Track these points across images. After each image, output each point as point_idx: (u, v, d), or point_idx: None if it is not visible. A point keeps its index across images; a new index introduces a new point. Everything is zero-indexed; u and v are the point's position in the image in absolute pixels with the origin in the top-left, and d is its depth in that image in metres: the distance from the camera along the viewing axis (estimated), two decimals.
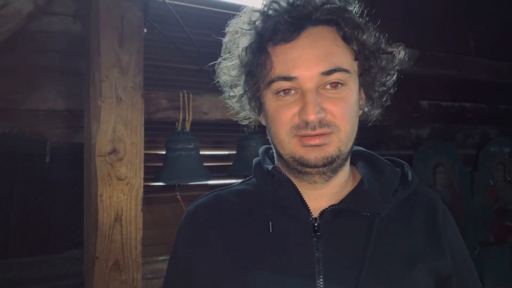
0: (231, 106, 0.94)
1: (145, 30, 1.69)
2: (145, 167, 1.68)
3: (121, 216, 1.62)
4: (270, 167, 0.86)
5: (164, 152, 1.85)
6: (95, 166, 1.58)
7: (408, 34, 2.99)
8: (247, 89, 0.85)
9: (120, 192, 1.62)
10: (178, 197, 1.82)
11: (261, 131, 2.03)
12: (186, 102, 1.79)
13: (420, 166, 3.04)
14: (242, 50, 0.83)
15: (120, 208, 1.62)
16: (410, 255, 0.81)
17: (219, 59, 0.90)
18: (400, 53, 0.87)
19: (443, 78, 3.18)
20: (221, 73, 0.90)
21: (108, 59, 1.59)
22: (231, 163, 2.07)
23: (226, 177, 2.14)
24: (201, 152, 1.87)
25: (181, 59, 2.04)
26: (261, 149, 0.95)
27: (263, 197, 0.86)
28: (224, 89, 0.92)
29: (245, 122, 0.95)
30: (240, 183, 0.95)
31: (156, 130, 1.95)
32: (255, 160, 0.93)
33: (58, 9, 1.83)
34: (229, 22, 0.88)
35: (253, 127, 2.01)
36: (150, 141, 1.90)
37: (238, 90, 0.88)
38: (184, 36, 1.92)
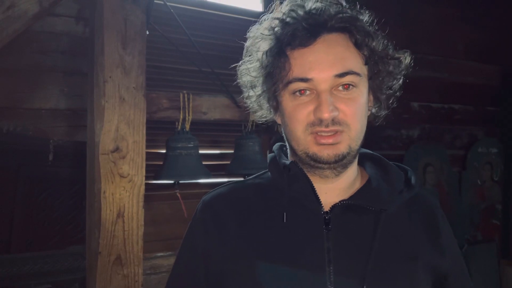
0: (249, 106, 1.00)
1: (147, 32, 1.74)
2: (146, 165, 1.72)
3: (124, 212, 1.66)
4: (287, 162, 0.93)
5: (164, 151, 1.90)
6: (98, 164, 1.62)
7: (399, 38, 3.06)
8: (265, 89, 0.91)
9: (122, 189, 1.67)
10: (178, 194, 1.87)
11: (257, 131, 2.09)
12: (186, 102, 1.84)
13: (410, 166, 3.07)
14: (263, 53, 0.89)
15: (122, 204, 1.66)
16: (412, 250, 0.89)
17: (240, 62, 0.97)
18: (406, 59, 0.94)
19: (433, 80, 3.26)
20: (242, 74, 0.96)
21: (111, 60, 1.64)
22: (229, 162, 2.13)
23: (224, 175, 2.19)
24: (200, 151, 1.92)
25: (182, 60, 2.09)
26: (275, 146, 1.01)
27: (277, 190, 0.92)
28: (243, 89, 0.98)
29: (262, 121, 1.01)
30: (254, 177, 1.01)
31: (157, 129, 2.00)
32: (270, 155, 0.99)
33: (61, 11, 1.88)
34: (250, 27, 0.95)
35: (250, 127, 2.08)
36: (151, 140, 1.95)
37: (257, 91, 0.94)
38: (184, 38, 1.97)
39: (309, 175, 0.90)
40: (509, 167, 3.57)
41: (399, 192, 0.92)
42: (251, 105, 0.98)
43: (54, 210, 1.84)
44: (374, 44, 0.87)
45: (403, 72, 0.94)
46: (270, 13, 0.92)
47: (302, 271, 0.84)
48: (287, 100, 0.87)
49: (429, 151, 3.22)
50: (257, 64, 0.91)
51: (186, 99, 1.83)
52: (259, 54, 0.90)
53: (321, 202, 0.89)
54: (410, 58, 0.95)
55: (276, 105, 0.92)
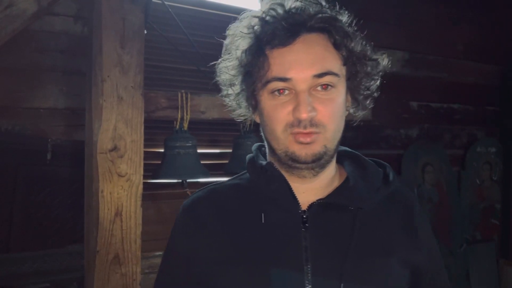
0: (228, 104, 1.00)
1: (146, 32, 1.74)
2: (144, 164, 1.73)
3: (121, 211, 1.67)
4: (264, 162, 0.94)
5: (162, 150, 1.90)
6: (96, 163, 1.62)
7: (399, 38, 3.07)
8: (244, 88, 0.91)
9: (120, 188, 1.67)
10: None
11: (256, 130, 2.09)
12: (184, 102, 1.84)
13: (409, 165, 3.12)
14: (242, 52, 0.89)
15: (120, 203, 1.66)
16: (389, 246, 0.90)
17: (219, 59, 0.97)
18: (384, 60, 0.95)
19: (432, 80, 3.26)
20: (221, 72, 0.96)
21: (110, 59, 1.64)
22: (227, 161, 2.13)
23: (223, 174, 2.20)
24: (199, 150, 1.93)
25: (180, 60, 2.09)
26: (254, 146, 1.02)
27: (256, 190, 0.93)
28: (222, 87, 0.98)
29: (240, 119, 1.02)
30: (234, 178, 1.02)
31: (155, 128, 2.00)
32: (248, 156, 1.00)
33: (60, 10, 1.88)
34: (229, 25, 0.95)
35: (248, 126, 2.08)
36: (149, 139, 1.95)
37: (236, 89, 0.94)
38: (182, 37, 1.97)
39: (287, 175, 0.91)
40: (508, 167, 3.57)
41: (377, 190, 0.93)
42: (230, 103, 0.99)
43: (53, 209, 1.84)
44: (352, 44, 0.88)
45: (380, 73, 0.95)
46: (249, 11, 0.92)
47: (280, 270, 0.85)
48: (266, 100, 0.87)
49: (428, 151, 3.22)
50: (236, 62, 0.91)
51: (184, 98, 1.84)
52: (238, 53, 0.90)
53: (298, 201, 0.90)
54: (387, 59, 0.95)
55: (255, 104, 0.92)
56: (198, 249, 0.91)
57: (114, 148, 1.66)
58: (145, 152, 1.73)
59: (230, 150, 2.13)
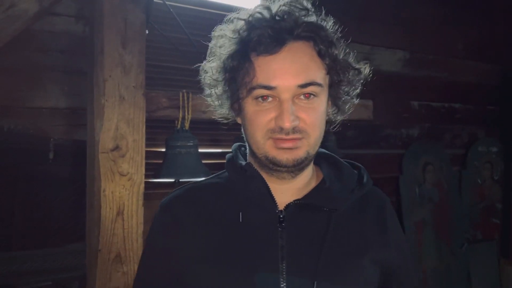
0: (211, 104, 1.02)
1: (147, 32, 1.75)
2: (146, 164, 1.73)
3: (123, 210, 1.67)
4: (243, 162, 0.95)
5: (164, 150, 1.91)
6: (98, 162, 1.63)
7: (399, 37, 3.08)
8: (227, 90, 0.93)
9: (122, 188, 1.68)
10: None
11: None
12: (186, 101, 1.85)
13: (410, 165, 3.12)
14: (227, 56, 0.90)
15: (122, 202, 1.67)
16: (361, 246, 0.93)
17: (204, 61, 0.98)
18: (366, 69, 0.97)
19: (433, 79, 3.27)
20: (205, 73, 0.97)
21: (111, 59, 1.65)
22: None
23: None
24: (200, 150, 1.93)
25: (181, 60, 2.10)
26: (233, 146, 1.03)
27: (234, 190, 0.95)
28: (205, 87, 1.00)
29: (223, 120, 1.03)
30: (213, 177, 1.03)
31: (157, 128, 2.01)
32: (228, 156, 1.02)
33: (61, 10, 1.88)
34: (215, 27, 0.96)
35: None
36: (150, 139, 1.96)
37: (219, 91, 0.95)
38: (183, 37, 1.98)
39: (265, 175, 0.93)
40: (509, 166, 3.58)
41: (351, 191, 0.96)
42: (212, 103, 1.00)
43: (54, 208, 1.85)
44: (336, 52, 0.90)
45: (361, 82, 0.97)
46: (236, 12, 0.93)
47: (257, 269, 0.87)
48: (249, 105, 0.88)
49: (429, 150, 3.22)
50: (221, 65, 0.92)
51: (185, 98, 1.84)
52: (223, 56, 0.91)
53: (276, 201, 0.91)
54: (369, 68, 0.97)
55: (238, 108, 0.93)
56: (176, 247, 0.92)
57: (116, 148, 1.66)
58: (146, 152, 1.74)
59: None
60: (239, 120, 0.97)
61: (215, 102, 0.99)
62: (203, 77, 0.98)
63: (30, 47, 1.84)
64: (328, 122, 0.98)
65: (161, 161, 1.92)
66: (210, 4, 2.23)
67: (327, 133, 2.41)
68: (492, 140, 3.58)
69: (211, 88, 0.97)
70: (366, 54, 2.93)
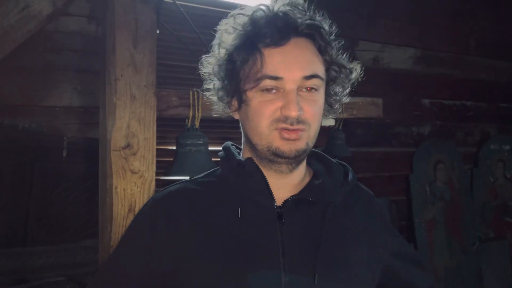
0: (208, 98, 1.04)
1: (158, 31, 1.77)
2: (156, 161, 1.76)
3: (135, 207, 1.70)
4: (242, 159, 0.97)
5: (174, 148, 1.93)
6: (110, 160, 1.66)
7: (410, 34, 3.06)
8: (231, 82, 0.94)
9: (133, 185, 1.70)
10: None
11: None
12: (196, 100, 1.86)
13: (421, 163, 3.11)
14: (234, 48, 0.92)
15: (133, 200, 1.70)
16: (357, 238, 0.97)
17: (209, 53, 1.00)
18: (357, 70, 1.01)
19: (444, 77, 3.25)
20: (208, 66, 0.99)
21: (123, 58, 1.67)
22: None
23: None
24: (210, 148, 1.95)
25: (192, 58, 2.11)
26: (225, 145, 1.05)
27: (230, 187, 0.95)
28: (207, 81, 1.01)
29: (221, 115, 1.05)
30: (205, 176, 1.03)
31: (167, 126, 2.03)
32: (220, 154, 1.04)
33: (74, 11, 1.92)
34: (220, 21, 0.98)
35: None
36: (161, 137, 1.98)
37: (220, 84, 0.97)
38: (194, 36, 2.00)
39: (264, 170, 0.94)
40: None
41: (341, 185, 0.99)
42: (211, 97, 1.02)
43: (68, 205, 1.89)
44: (333, 52, 0.94)
45: (351, 82, 1.01)
46: (241, 9, 0.95)
47: (258, 264, 0.88)
48: (254, 96, 0.90)
49: (440, 148, 3.20)
50: (227, 57, 0.93)
51: (195, 96, 1.86)
52: (230, 48, 0.93)
53: (274, 197, 0.93)
54: (360, 69, 1.01)
55: (240, 100, 0.94)
56: (167, 246, 0.91)
57: (127, 146, 1.69)
58: (157, 150, 1.76)
59: None
60: (236, 116, 0.98)
61: (214, 97, 1.00)
62: (206, 70, 1.00)
63: (44, 47, 1.87)
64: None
65: (172, 159, 1.94)
66: (220, 3, 2.25)
67: (336, 131, 2.41)
68: (505, 138, 3.54)
69: (214, 81, 0.98)
70: (376, 51, 2.92)
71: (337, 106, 1.01)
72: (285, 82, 0.87)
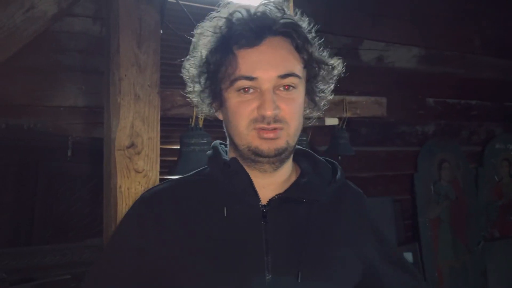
0: (191, 100, 1.04)
1: (161, 31, 1.78)
2: (160, 161, 1.77)
3: None
4: (227, 158, 0.97)
5: (178, 147, 1.94)
6: (114, 159, 1.67)
7: (414, 33, 3.05)
8: (210, 84, 0.95)
9: (137, 184, 1.71)
10: None
11: None
12: None
13: (425, 162, 3.10)
14: (210, 50, 0.93)
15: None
16: (342, 237, 0.97)
17: (187, 56, 1.01)
18: (339, 66, 1.01)
19: (448, 76, 3.24)
20: (188, 69, 1.00)
21: (127, 58, 1.68)
22: None
23: None
24: None
25: None
26: (214, 143, 1.06)
27: (217, 186, 0.96)
28: (188, 84, 1.02)
29: (203, 116, 1.06)
30: (193, 174, 1.04)
31: (171, 126, 2.04)
32: (208, 153, 1.04)
33: (79, 11, 1.94)
34: (197, 25, 0.99)
35: None
36: (165, 137, 1.99)
37: (201, 86, 0.97)
38: None
39: (248, 170, 0.95)
40: None
41: (328, 183, 0.99)
42: (194, 99, 1.02)
43: (72, 204, 1.90)
44: (312, 49, 0.94)
45: (335, 78, 1.01)
46: (217, 12, 0.96)
47: (242, 263, 0.89)
48: (231, 97, 0.91)
49: (445, 147, 3.19)
50: (204, 60, 0.94)
51: None
52: (206, 51, 0.94)
53: (259, 196, 0.94)
54: (342, 65, 1.01)
55: (220, 101, 0.95)
56: (154, 244, 0.91)
57: (132, 145, 1.70)
58: (161, 149, 1.77)
59: None
60: (220, 116, 0.99)
61: (196, 98, 1.01)
62: (185, 72, 1.01)
63: (49, 47, 1.89)
64: (306, 118, 1.01)
65: (175, 158, 1.95)
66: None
67: (340, 130, 2.41)
68: (510, 137, 3.53)
69: (194, 83, 0.99)
70: (381, 50, 2.92)
71: (323, 103, 1.01)
72: (261, 82, 0.88)
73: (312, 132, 2.25)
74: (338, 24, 2.67)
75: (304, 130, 2.29)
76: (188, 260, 0.89)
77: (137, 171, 1.70)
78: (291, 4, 2.63)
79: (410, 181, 3.07)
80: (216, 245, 0.90)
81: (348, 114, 2.15)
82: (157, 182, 1.74)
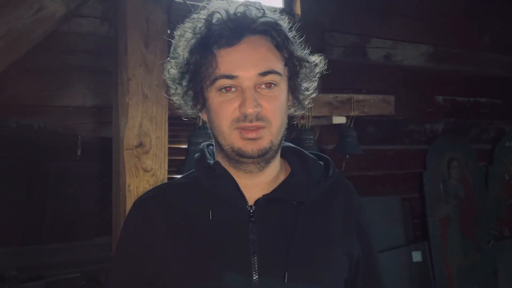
0: (174, 102, 1.03)
1: (169, 31, 1.79)
2: (168, 160, 1.78)
3: None
4: (211, 161, 0.97)
5: (186, 146, 1.95)
6: (123, 158, 1.68)
7: (422, 31, 3.03)
8: (192, 85, 0.94)
9: (146, 183, 1.72)
10: None
11: None
12: None
13: (434, 160, 3.08)
14: (190, 51, 0.93)
15: None
16: (329, 237, 0.96)
17: (168, 58, 1.00)
18: (321, 63, 1.00)
19: (458, 73, 3.21)
20: (169, 71, 0.99)
21: (134, 59, 1.69)
22: None
23: None
24: None
25: None
26: (201, 146, 1.05)
27: (203, 189, 0.96)
28: (170, 85, 1.01)
29: (187, 117, 1.06)
30: (183, 177, 1.04)
31: (179, 125, 2.05)
32: (196, 155, 1.03)
33: (87, 12, 1.95)
34: (178, 26, 0.99)
35: None
36: (173, 136, 2.00)
37: (183, 88, 0.97)
38: None
39: (234, 171, 0.95)
40: None
41: (318, 183, 0.98)
42: (177, 101, 1.01)
43: (82, 203, 1.92)
44: (292, 47, 0.94)
45: (317, 75, 1.00)
46: (196, 13, 0.96)
47: (229, 264, 0.89)
48: (213, 97, 0.91)
49: (454, 146, 3.17)
50: (184, 61, 0.94)
51: None
52: (186, 52, 0.93)
53: (245, 197, 0.94)
54: (324, 62, 1.01)
55: (202, 102, 0.95)
56: (149, 249, 0.94)
57: (140, 145, 1.71)
58: (169, 148, 1.78)
59: None
60: (204, 117, 0.99)
61: (180, 101, 1.00)
62: (167, 74, 1.00)
63: (58, 48, 1.91)
64: (290, 116, 1.01)
65: (183, 157, 1.96)
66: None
67: (347, 128, 2.40)
68: None
69: (176, 85, 0.98)
70: (388, 48, 2.91)
71: (307, 101, 1.01)
72: (241, 80, 0.88)
73: (320, 131, 2.25)
74: (345, 22, 2.67)
75: (312, 129, 2.31)
76: (175, 263, 0.91)
77: (145, 170, 1.72)
78: (298, 2, 2.63)
79: (419, 179, 3.05)
80: (203, 247, 0.91)
81: (355, 113, 2.14)
82: (165, 181, 1.75)
